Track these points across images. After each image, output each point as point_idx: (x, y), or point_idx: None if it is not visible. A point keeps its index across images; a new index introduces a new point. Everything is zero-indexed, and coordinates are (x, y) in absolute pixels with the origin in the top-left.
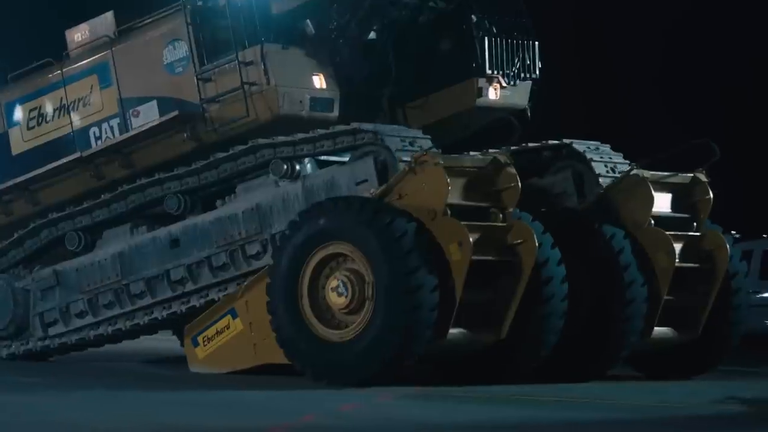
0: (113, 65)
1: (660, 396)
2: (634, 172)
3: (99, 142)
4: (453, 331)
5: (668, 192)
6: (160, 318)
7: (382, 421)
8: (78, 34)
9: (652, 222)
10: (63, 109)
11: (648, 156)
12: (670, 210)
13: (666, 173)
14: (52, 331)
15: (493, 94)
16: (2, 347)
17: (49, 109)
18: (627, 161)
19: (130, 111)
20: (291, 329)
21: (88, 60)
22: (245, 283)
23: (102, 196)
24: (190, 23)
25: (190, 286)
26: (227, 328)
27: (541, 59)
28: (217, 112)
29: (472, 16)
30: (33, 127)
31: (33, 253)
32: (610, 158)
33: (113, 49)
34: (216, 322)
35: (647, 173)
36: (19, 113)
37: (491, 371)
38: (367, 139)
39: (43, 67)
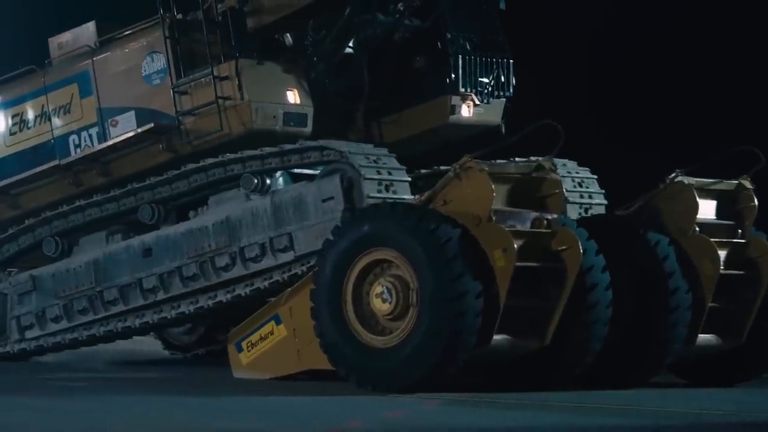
0: (93, 75)
1: (704, 403)
2: (679, 179)
3: (78, 150)
4: (497, 337)
5: (713, 199)
6: (132, 327)
7: (428, 427)
8: (60, 42)
9: (697, 229)
10: (44, 116)
11: (693, 162)
12: (714, 217)
13: (711, 180)
14: (28, 334)
15: (466, 111)
16: None
17: (31, 115)
18: (594, 176)
19: (109, 120)
20: (335, 335)
21: (70, 69)
22: (289, 289)
23: (77, 202)
24: (168, 36)
25: (161, 295)
26: (271, 334)
27: (515, 77)
28: (192, 125)
29: (447, 34)
30: (15, 133)
31: (11, 257)
32: (577, 173)
33: (94, 58)
34: (260, 328)
35: (692, 180)
36: (2, 118)
37: (535, 378)
38: (333, 157)
39: (26, 73)
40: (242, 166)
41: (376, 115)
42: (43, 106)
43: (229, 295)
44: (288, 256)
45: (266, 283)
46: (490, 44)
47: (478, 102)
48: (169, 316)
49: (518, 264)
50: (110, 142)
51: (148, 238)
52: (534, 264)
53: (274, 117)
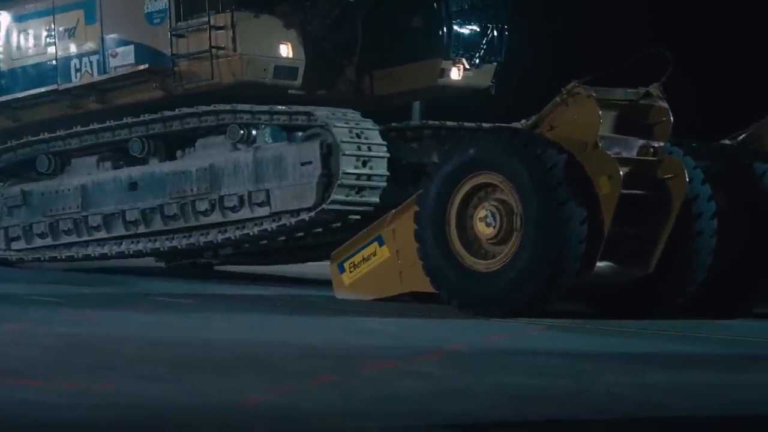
0: (99, 4)
1: None
2: None
3: (78, 74)
4: (601, 264)
5: None
6: (109, 254)
7: (529, 352)
8: None
9: None
10: (50, 37)
11: None
12: None
13: None
14: (14, 245)
15: (455, 74)
16: None
17: (37, 33)
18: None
19: (109, 51)
20: (438, 258)
21: None
22: (393, 211)
23: (75, 127)
24: None
25: (142, 229)
26: (373, 255)
27: (508, 42)
28: (185, 68)
29: None
30: (20, 48)
31: (5, 170)
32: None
33: None
34: (362, 248)
35: None
36: (11, 31)
37: (638, 306)
38: (318, 122)
39: None
40: (233, 117)
41: (367, 68)
42: (49, 26)
43: (202, 239)
44: (264, 211)
45: (238, 234)
46: (486, 9)
47: (468, 67)
48: (144, 250)
49: (623, 191)
50: (106, 76)
51: (135, 172)
52: (639, 192)
53: (265, 70)
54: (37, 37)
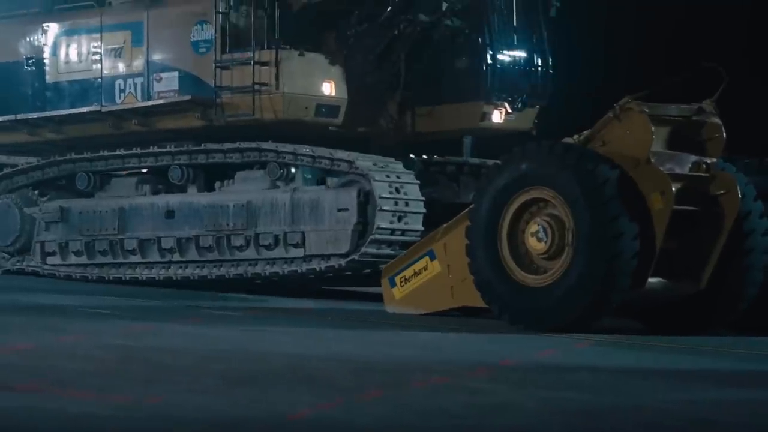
0: (147, 27)
1: None
2: None
3: (122, 95)
4: (652, 279)
5: None
6: (140, 278)
7: (579, 368)
8: None
9: None
10: (96, 54)
11: None
12: None
13: None
14: (50, 260)
15: (497, 117)
16: (7, 262)
17: (84, 49)
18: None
19: (154, 75)
20: (489, 273)
21: (126, 15)
22: (444, 225)
23: (118, 150)
24: (218, 11)
25: (176, 257)
26: (425, 270)
27: (554, 85)
28: (227, 101)
29: (487, 40)
30: (68, 62)
31: (46, 182)
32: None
33: (149, 11)
34: (414, 263)
35: None
36: (58, 44)
37: (690, 322)
38: (358, 171)
39: (84, 8)
40: (276, 155)
41: (410, 104)
42: (97, 44)
43: (232, 270)
44: (298, 252)
45: (268, 271)
46: (532, 53)
47: (510, 111)
48: (174, 277)
49: (676, 207)
50: (149, 103)
51: (173, 200)
52: (692, 207)
53: (306, 108)
54: (83, 54)
